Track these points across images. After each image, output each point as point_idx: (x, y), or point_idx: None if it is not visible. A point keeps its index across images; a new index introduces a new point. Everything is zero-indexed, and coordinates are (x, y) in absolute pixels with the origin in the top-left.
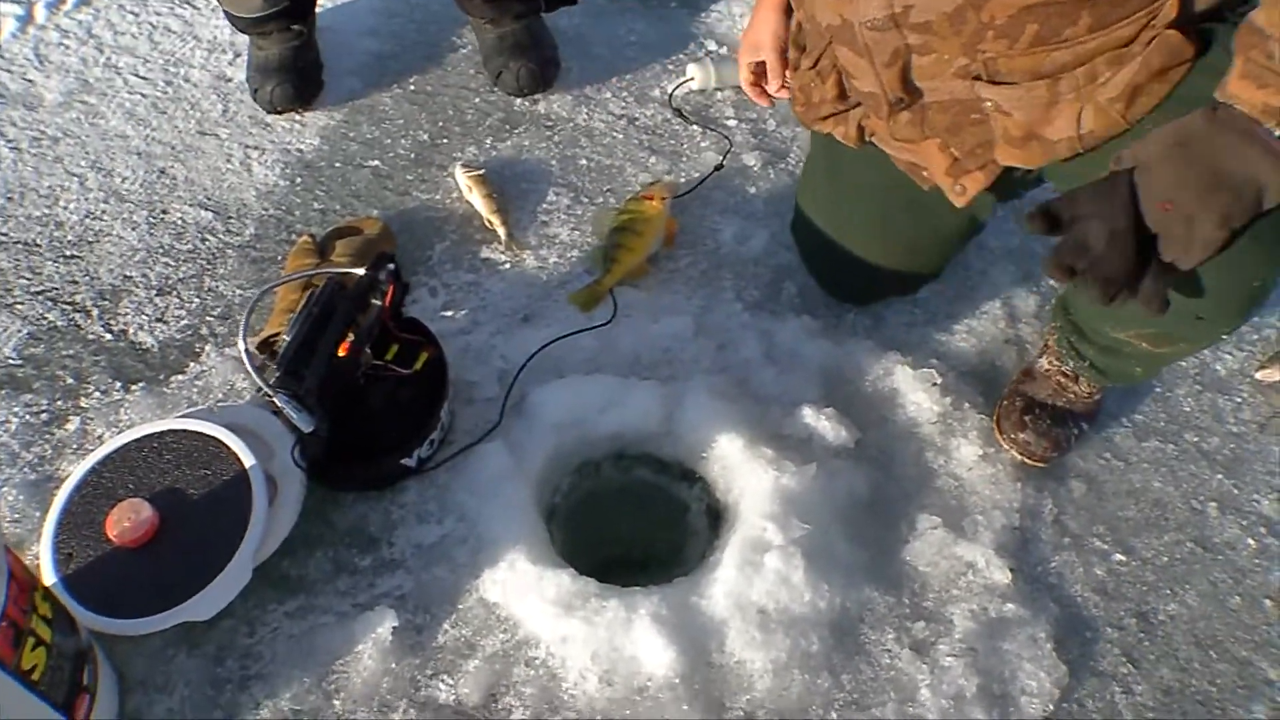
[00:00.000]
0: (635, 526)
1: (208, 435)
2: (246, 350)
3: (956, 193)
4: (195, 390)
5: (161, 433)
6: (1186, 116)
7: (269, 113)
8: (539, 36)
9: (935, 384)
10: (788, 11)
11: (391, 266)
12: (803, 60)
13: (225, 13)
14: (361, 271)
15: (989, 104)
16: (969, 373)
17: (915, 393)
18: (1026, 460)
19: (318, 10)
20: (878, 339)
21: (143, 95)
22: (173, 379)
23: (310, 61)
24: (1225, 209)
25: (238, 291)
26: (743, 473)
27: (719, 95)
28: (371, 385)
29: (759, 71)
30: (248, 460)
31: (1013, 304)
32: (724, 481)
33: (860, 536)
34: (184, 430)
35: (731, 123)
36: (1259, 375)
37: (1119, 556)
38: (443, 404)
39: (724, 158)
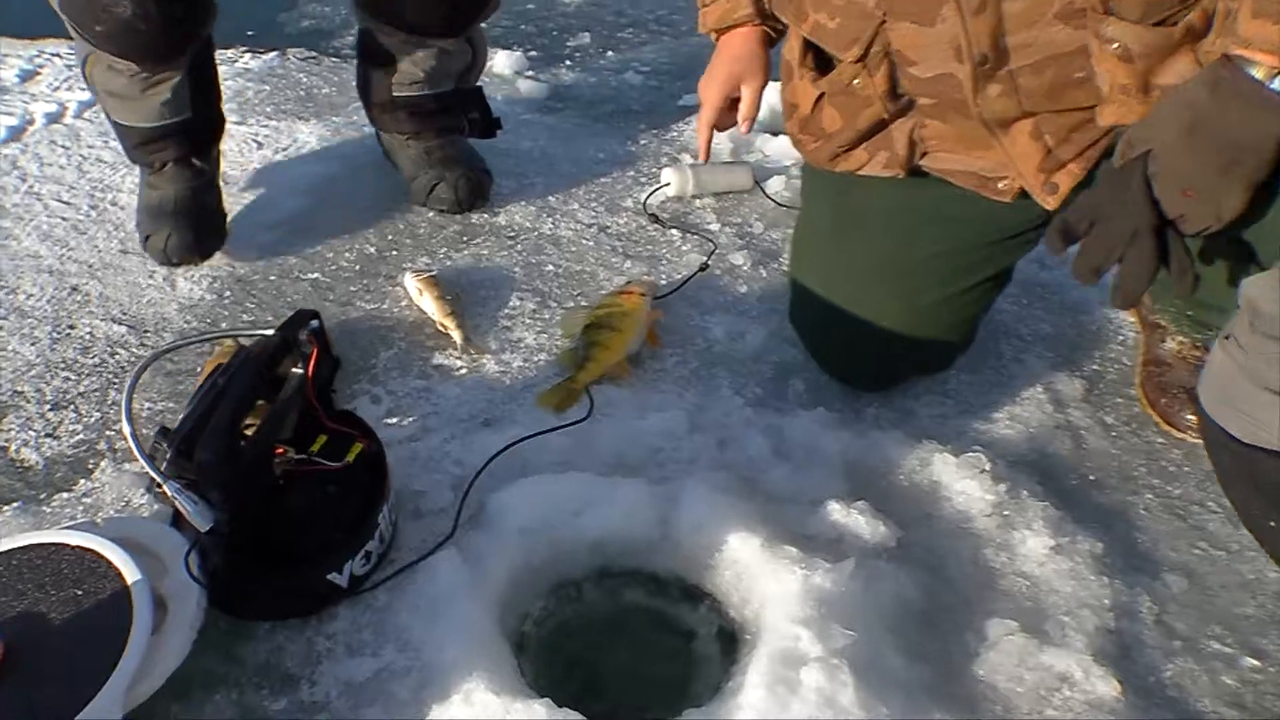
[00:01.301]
0: (629, 661)
1: (83, 549)
2: (132, 431)
3: (1047, 192)
4: (81, 508)
5: (23, 548)
6: (1189, 90)
7: (161, 264)
8: (468, 150)
9: (984, 470)
10: (750, 50)
11: (315, 324)
12: (844, 55)
13: (117, 130)
14: (271, 332)
15: (1115, 46)
16: (1020, 461)
17: (961, 482)
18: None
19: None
20: (907, 430)
21: (63, 219)
22: (55, 497)
23: (211, 206)
24: (1248, 176)
25: (148, 405)
26: (763, 577)
27: (698, 202)
28: (292, 483)
29: (726, 107)
30: (130, 575)
31: (1056, 389)
32: (739, 593)
33: (916, 649)
34: (52, 544)
35: (714, 227)
36: None
37: (1250, 661)
38: (381, 506)
39: (709, 258)
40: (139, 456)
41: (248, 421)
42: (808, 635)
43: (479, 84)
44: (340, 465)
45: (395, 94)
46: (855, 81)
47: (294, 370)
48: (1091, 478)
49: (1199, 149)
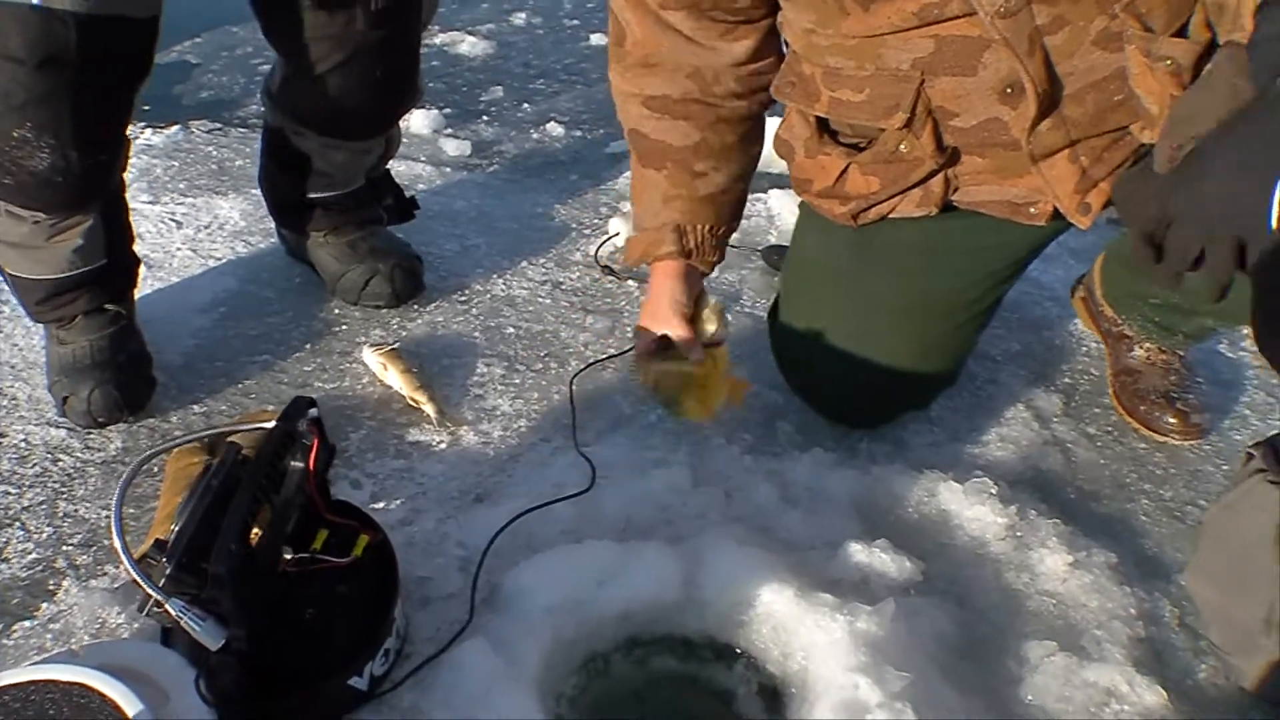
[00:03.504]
0: None
1: (72, 684)
2: (123, 544)
3: (1082, 212)
4: (50, 636)
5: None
6: (1217, 80)
7: (86, 426)
8: (393, 238)
9: (990, 494)
10: (685, 279)
11: (314, 413)
12: (886, 123)
13: (14, 285)
14: (272, 425)
15: (1168, 63)
16: (1018, 481)
17: (971, 509)
18: (1187, 441)
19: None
20: (905, 461)
21: None
22: (17, 627)
23: (134, 352)
24: None
25: (103, 513)
26: (804, 628)
27: None
28: (299, 585)
29: (658, 348)
30: (131, 708)
31: (1036, 405)
32: (778, 647)
33: (966, 682)
34: (34, 683)
35: None
36: None
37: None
38: (396, 599)
39: None
40: (134, 575)
41: None
42: (865, 682)
43: (387, 168)
44: (349, 560)
45: (309, 195)
46: (901, 147)
47: (293, 464)
48: (1088, 489)
49: (1250, 136)
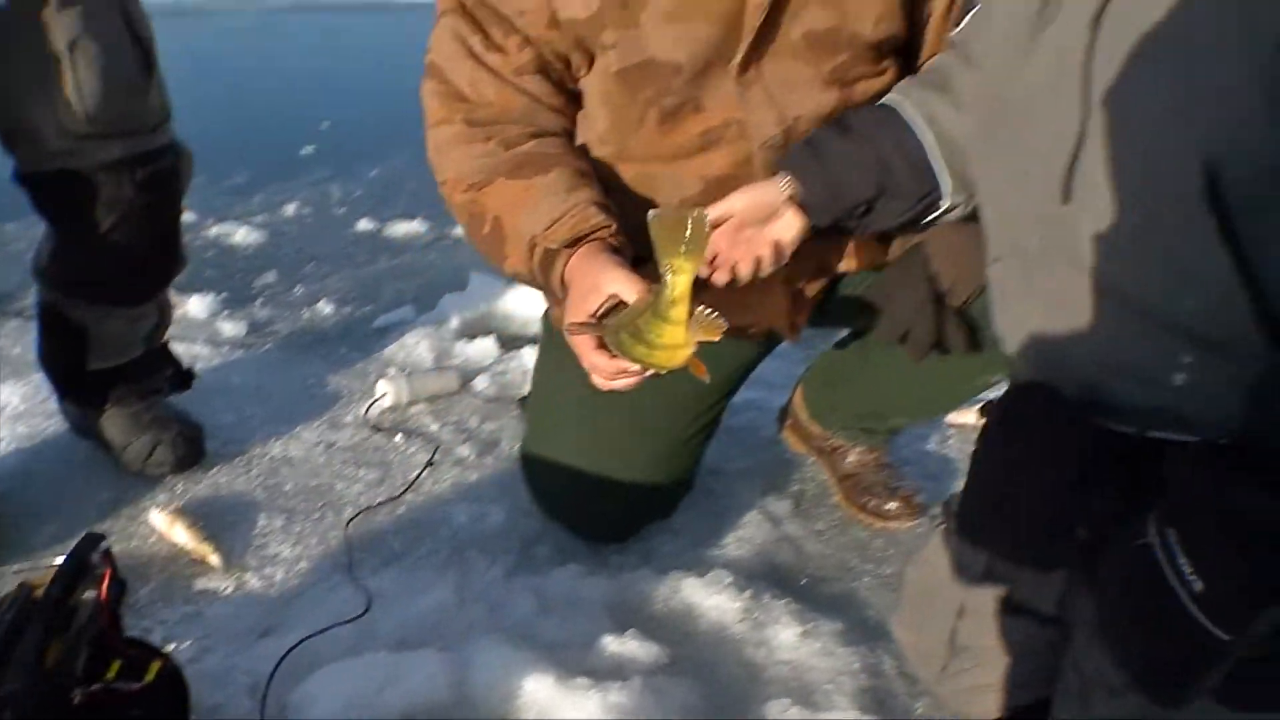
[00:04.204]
0: None
1: None
2: None
3: (792, 331)
4: None
5: None
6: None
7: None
8: (174, 408)
9: (728, 584)
10: (612, 252)
11: (105, 546)
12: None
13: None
14: (60, 560)
15: None
16: (754, 574)
17: (711, 599)
18: (912, 520)
19: None
20: (652, 566)
21: None
22: None
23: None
24: None
25: None
26: (563, 709)
27: (413, 409)
28: (92, 715)
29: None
30: None
31: (769, 510)
32: None
33: None
34: None
35: (434, 428)
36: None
37: None
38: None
39: (434, 454)
40: None
41: None
42: None
43: (166, 339)
44: (141, 686)
45: (90, 368)
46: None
47: (85, 596)
48: (817, 575)
49: (960, 231)
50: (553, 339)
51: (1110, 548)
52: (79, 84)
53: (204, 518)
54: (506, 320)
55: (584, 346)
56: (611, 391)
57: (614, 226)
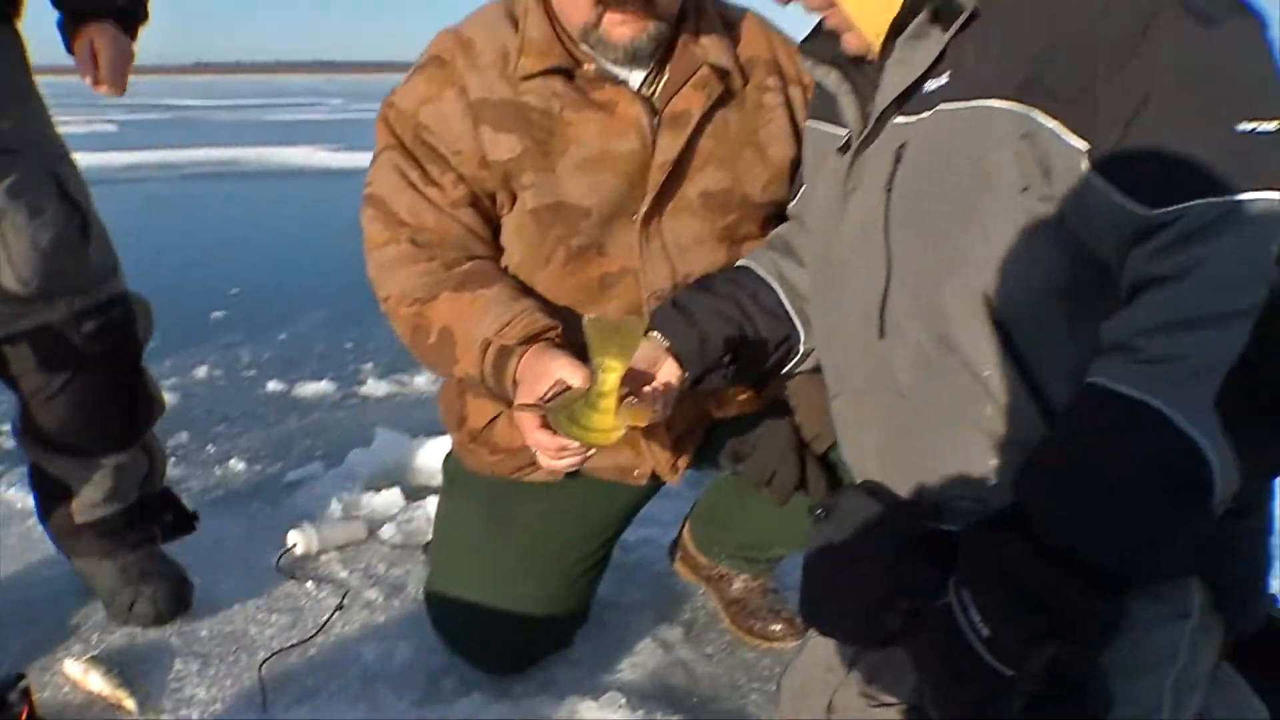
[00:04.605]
0: None
1: None
2: None
3: (673, 472)
4: None
5: None
6: None
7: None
8: (164, 560)
9: (621, 704)
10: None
11: (24, 685)
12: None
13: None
14: None
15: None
16: (648, 696)
17: (605, 718)
18: (796, 639)
19: None
20: (551, 693)
21: None
22: None
23: None
24: None
25: None
26: None
27: (323, 557)
28: None
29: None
30: None
31: (662, 638)
32: None
33: None
34: None
35: (343, 574)
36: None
37: None
38: None
39: (344, 598)
40: None
41: None
42: None
43: (164, 484)
44: None
45: (79, 520)
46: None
47: None
48: (708, 694)
49: (822, 385)
50: (453, 486)
51: (925, 614)
52: (9, 252)
53: (119, 665)
54: (412, 473)
55: (529, 425)
56: (506, 531)
57: (560, 328)
